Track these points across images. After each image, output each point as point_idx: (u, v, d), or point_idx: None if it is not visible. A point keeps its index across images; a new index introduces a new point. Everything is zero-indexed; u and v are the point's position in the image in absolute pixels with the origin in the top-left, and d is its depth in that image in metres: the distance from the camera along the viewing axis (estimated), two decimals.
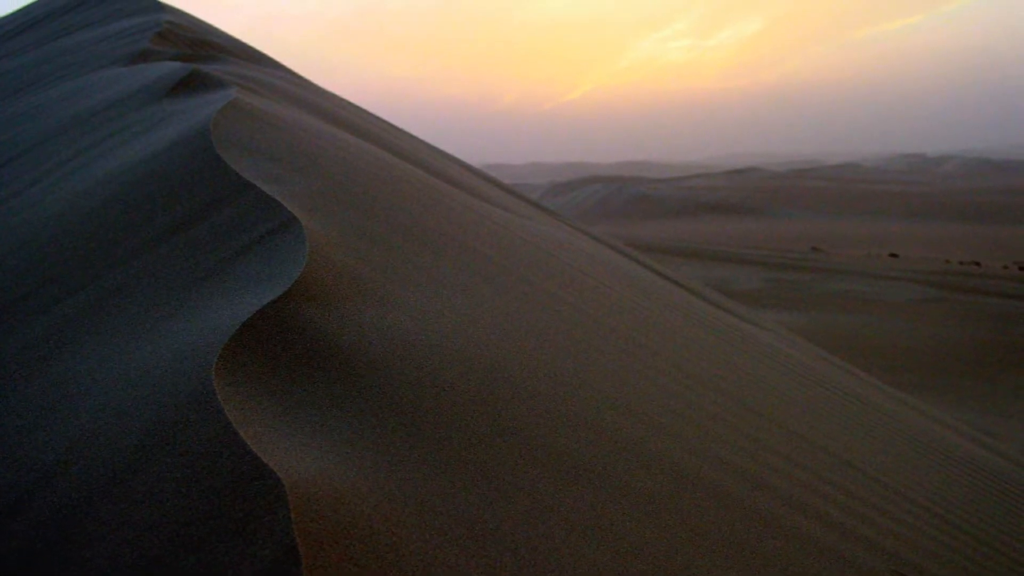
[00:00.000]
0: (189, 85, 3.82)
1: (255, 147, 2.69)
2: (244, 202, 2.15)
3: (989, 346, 16.25)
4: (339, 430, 1.37)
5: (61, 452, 1.39)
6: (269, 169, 2.48)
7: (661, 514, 1.68)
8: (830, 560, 2.02)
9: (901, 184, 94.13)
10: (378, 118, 8.29)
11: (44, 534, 1.23)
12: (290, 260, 1.80)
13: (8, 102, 5.97)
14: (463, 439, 1.51)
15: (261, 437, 1.24)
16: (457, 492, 1.36)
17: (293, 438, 1.29)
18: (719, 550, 1.69)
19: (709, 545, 1.69)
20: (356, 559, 1.09)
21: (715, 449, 2.26)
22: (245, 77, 4.60)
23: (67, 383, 1.62)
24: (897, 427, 4.85)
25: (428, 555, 1.17)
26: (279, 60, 8.53)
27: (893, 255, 37.55)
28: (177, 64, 4.52)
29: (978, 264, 33.61)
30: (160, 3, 8.41)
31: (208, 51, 5.98)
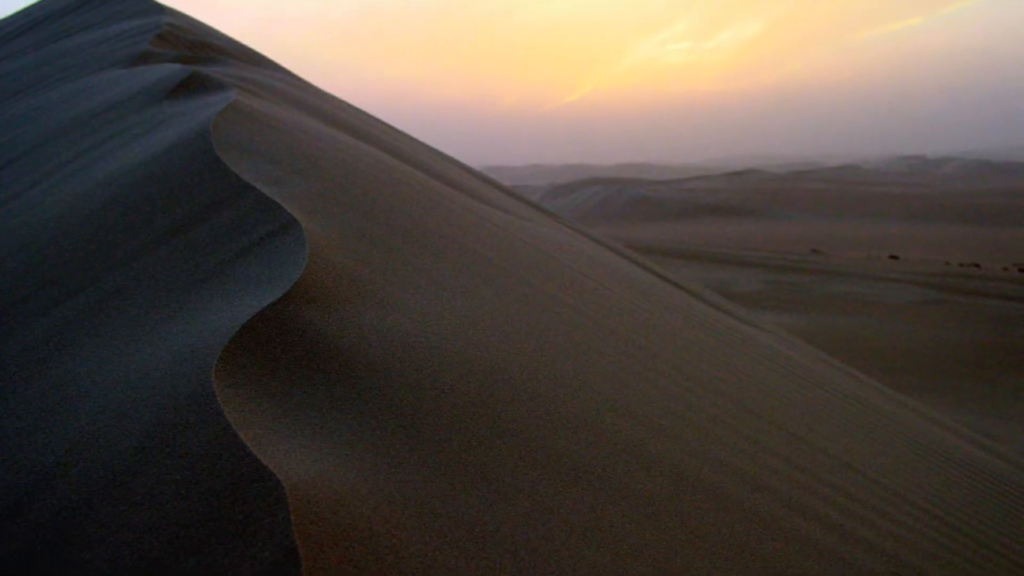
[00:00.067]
0: (189, 87, 3.83)
1: (255, 149, 2.69)
2: (244, 204, 2.15)
3: (989, 348, 16.24)
4: (339, 432, 1.37)
5: (61, 454, 1.39)
6: (269, 171, 2.48)
7: (661, 516, 1.68)
8: (830, 562, 2.02)
9: (901, 186, 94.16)
10: (378, 120, 8.29)
11: (44, 536, 1.23)
12: (290, 262, 1.80)
13: (8, 104, 5.97)
14: (463, 441, 1.51)
15: (261, 439, 1.24)
16: (457, 494, 1.36)
17: (293, 440, 1.29)
18: (719, 552, 1.69)
19: (709, 547, 1.69)
20: (356, 561, 1.09)
21: (715, 451, 2.26)
22: (245, 79, 4.60)
23: (67, 385, 1.62)
24: (897, 429, 4.85)
25: (428, 557, 1.17)
26: (279, 62, 8.54)
27: (893, 257, 37.56)
28: (177, 66, 4.53)
29: (978, 266, 33.62)
30: (160, 5, 8.42)
31: (208, 53, 5.99)
